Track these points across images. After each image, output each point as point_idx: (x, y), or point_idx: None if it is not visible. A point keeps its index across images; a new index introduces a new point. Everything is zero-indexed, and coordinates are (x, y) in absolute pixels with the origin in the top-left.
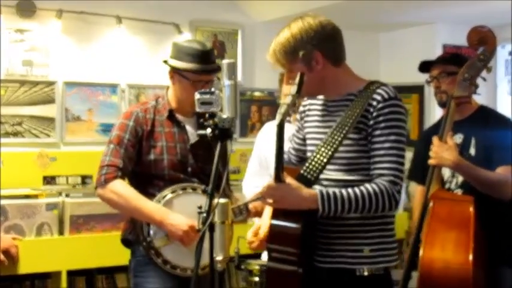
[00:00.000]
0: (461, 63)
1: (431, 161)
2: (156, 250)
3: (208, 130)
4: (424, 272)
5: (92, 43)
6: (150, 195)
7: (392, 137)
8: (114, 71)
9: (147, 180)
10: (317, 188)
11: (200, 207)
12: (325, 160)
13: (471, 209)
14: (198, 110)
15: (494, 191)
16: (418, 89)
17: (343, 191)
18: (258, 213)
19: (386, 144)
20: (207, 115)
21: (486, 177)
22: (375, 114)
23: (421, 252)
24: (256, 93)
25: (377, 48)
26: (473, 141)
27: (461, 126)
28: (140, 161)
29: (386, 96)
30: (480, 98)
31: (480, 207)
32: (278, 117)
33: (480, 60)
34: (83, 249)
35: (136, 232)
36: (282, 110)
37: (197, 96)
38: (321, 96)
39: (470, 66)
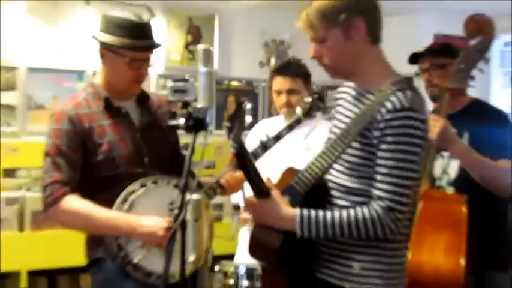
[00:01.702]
0: (453, 54)
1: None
2: (134, 265)
3: (182, 120)
4: (413, 277)
5: (58, 25)
6: (109, 203)
7: (398, 155)
8: (81, 56)
9: (102, 185)
10: (297, 210)
11: (172, 203)
12: (319, 173)
13: (464, 209)
14: (171, 98)
15: (495, 181)
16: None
17: (328, 214)
18: (233, 188)
19: (390, 163)
20: (179, 104)
21: (489, 163)
22: (381, 125)
23: (409, 255)
24: (234, 83)
25: None
26: (466, 136)
27: (453, 121)
28: (88, 166)
29: (398, 105)
30: (472, 91)
31: (471, 207)
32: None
33: (477, 51)
34: (44, 247)
35: (105, 249)
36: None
37: (170, 83)
38: (351, 84)
39: (466, 56)
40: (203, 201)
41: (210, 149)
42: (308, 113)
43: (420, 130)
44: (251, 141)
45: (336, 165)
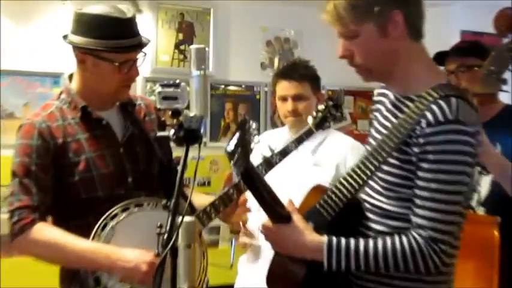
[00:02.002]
0: (483, 54)
1: None
2: None
3: (171, 131)
4: None
5: (31, 24)
6: (86, 230)
7: (441, 176)
8: (56, 58)
9: (78, 210)
10: (324, 237)
11: (160, 227)
12: (348, 195)
13: (496, 233)
14: (159, 106)
15: None
16: None
17: (361, 243)
18: (228, 214)
19: (432, 185)
20: (168, 112)
21: None
22: (421, 140)
23: None
24: (232, 88)
25: None
26: (498, 148)
27: (484, 130)
28: (62, 188)
29: (440, 117)
30: (504, 96)
31: (505, 231)
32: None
33: (510, 50)
34: (15, 275)
35: (81, 284)
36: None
37: (158, 89)
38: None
39: (497, 57)
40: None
41: (204, 163)
42: (321, 124)
43: (469, 145)
44: (254, 156)
45: (371, 183)
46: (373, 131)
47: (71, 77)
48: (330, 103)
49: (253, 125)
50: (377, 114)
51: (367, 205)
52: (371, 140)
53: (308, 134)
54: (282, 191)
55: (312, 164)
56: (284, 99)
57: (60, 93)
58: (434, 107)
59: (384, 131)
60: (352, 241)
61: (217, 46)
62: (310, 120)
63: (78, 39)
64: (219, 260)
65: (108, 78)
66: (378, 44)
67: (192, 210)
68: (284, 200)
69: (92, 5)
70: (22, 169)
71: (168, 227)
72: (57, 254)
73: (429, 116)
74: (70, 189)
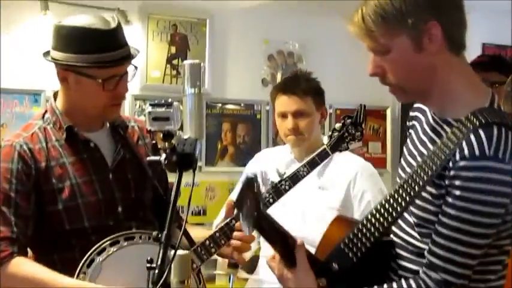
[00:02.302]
0: (506, 70)
1: None
2: None
3: (163, 156)
4: None
5: (8, 35)
6: (70, 265)
7: (465, 215)
8: (36, 74)
9: (63, 242)
10: None
11: (151, 261)
12: (377, 234)
13: None
14: (149, 127)
15: None
16: None
17: None
18: (229, 251)
19: (453, 223)
20: (159, 134)
21: None
22: (452, 173)
23: None
24: (230, 106)
25: None
26: None
27: None
28: (44, 217)
29: (477, 151)
30: None
31: None
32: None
33: None
34: None
35: None
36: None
37: (148, 109)
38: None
39: None
40: (192, 261)
41: (199, 190)
42: (337, 145)
43: (506, 185)
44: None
45: (405, 216)
46: (406, 154)
47: (56, 94)
48: (348, 121)
49: (261, 187)
50: (412, 132)
51: (399, 241)
52: (405, 165)
53: (323, 157)
54: (286, 220)
55: (318, 188)
56: (284, 115)
57: (45, 113)
58: (472, 138)
59: (419, 159)
60: None
61: (214, 60)
62: (325, 140)
63: (58, 55)
64: None
65: (93, 97)
66: (412, 60)
67: (189, 243)
68: (289, 230)
69: (73, 16)
70: (1, 196)
71: (159, 261)
72: None
73: (465, 148)
74: (53, 218)
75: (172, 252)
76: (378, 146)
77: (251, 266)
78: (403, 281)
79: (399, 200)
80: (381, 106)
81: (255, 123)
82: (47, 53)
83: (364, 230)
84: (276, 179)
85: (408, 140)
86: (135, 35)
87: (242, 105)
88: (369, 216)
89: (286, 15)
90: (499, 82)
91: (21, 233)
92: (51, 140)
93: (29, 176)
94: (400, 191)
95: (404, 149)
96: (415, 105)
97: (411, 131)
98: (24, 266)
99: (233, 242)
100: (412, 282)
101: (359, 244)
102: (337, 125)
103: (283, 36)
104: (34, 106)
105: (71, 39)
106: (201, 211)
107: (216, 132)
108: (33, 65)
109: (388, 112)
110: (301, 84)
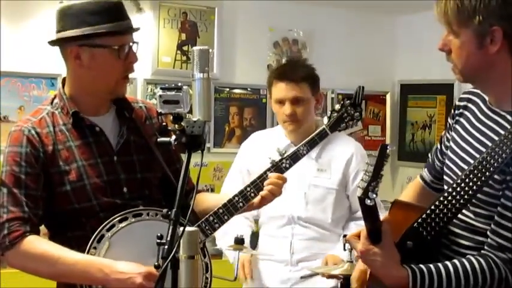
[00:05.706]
0: None
1: None
2: None
3: (173, 137)
4: None
5: (26, 23)
6: (81, 242)
7: None
8: (53, 59)
9: (74, 220)
10: (407, 269)
11: (161, 237)
12: (451, 215)
13: None
14: (160, 110)
15: None
16: (446, 89)
17: (442, 268)
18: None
19: None
20: (170, 117)
21: None
22: None
23: None
24: (237, 91)
25: (391, 36)
26: None
27: None
28: (53, 197)
29: None
30: None
31: None
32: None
33: None
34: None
35: None
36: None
37: (159, 92)
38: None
39: None
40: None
41: (207, 170)
42: (336, 125)
43: None
44: (243, 156)
45: None
46: (458, 139)
47: (64, 80)
48: (347, 102)
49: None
50: (462, 120)
51: (456, 220)
52: (456, 149)
53: (322, 136)
54: (290, 203)
55: (317, 170)
56: (281, 102)
57: (54, 97)
58: None
59: (481, 148)
60: (433, 267)
61: (222, 47)
62: (324, 120)
63: (71, 33)
64: (223, 273)
65: (108, 68)
66: (473, 53)
67: (194, 219)
68: (292, 211)
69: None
70: (11, 178)
71: (169, 237)
72: (49, 267)
73: None
74: (62, 199)
75: (181, 228)
76: (377, 129)
77: (255, 240)
78: (472, 258)
79: (470, 184)
80: (381, 91)
81: (260, 107)
82: (53, 41)
83: (437, 211)
84: (276, 157)
85: (458, 126)
86: (147, 22)
87: (248, 89)
88: (441, 198)
89: (291, 4)
90: None
91: (33, 212)
92: (58, 125)
93: (37, 159)
94: (471, 176)
95: (454, 134)
96: (463, 96)
97: (460, 118)
98: (36, 243)
99: (266, 188)
100: (482, 261)
101: (433, 223)
102: (337, 106)
103: (288, 24)
104: (51, 90)
105: (83, 14)
106: (209, 190)
107: (223, 116)
108: (49, 50)
109: (388, 97)
110: (298, 71)
